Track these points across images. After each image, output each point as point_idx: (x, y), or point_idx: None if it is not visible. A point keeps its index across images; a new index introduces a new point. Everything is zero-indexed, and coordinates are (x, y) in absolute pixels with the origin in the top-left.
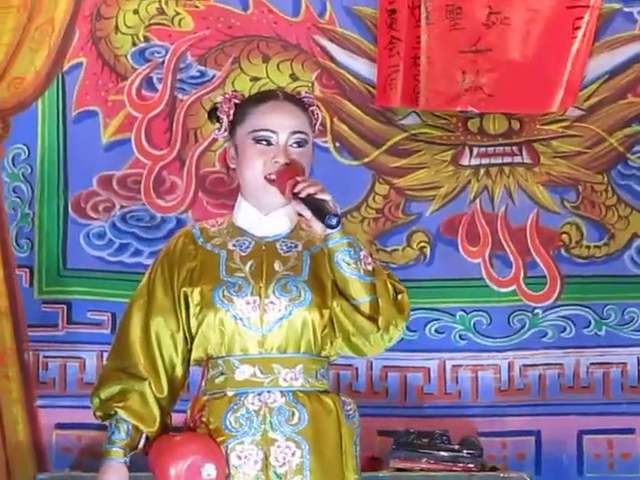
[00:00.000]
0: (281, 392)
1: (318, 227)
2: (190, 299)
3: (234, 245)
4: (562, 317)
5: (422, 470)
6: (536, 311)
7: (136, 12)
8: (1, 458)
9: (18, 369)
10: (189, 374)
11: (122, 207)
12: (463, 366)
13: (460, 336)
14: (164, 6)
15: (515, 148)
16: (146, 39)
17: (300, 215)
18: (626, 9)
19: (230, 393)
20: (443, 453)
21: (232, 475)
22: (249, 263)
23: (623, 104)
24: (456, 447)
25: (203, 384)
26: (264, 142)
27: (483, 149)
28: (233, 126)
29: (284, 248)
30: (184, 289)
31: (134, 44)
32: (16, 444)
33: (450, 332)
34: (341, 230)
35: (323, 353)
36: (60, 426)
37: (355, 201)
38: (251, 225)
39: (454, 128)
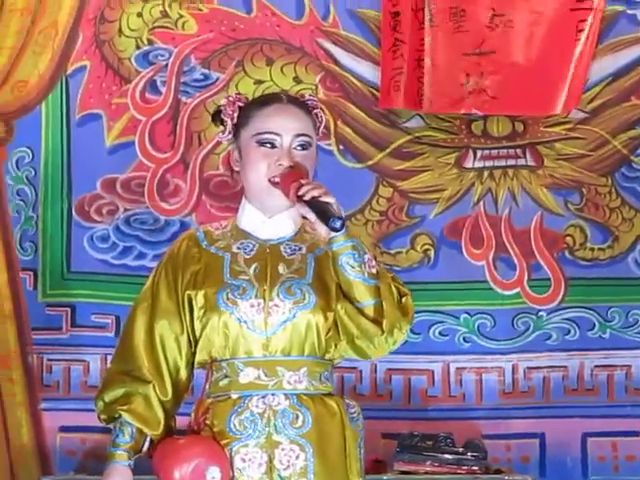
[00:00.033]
0: (285, 395)
1: (322, 230)
2: (194, 302)
3: (238, 248)
4: (566, 319)
5: (426, 473)
6: (540, 313)
7: (140, 15)
8: (5, 461)
9: (22, 372)
10: (193, 377)
11: (126, 210)
12: (467, 369)
13: (464, 339)
14: (168, 9)
15: (519, 150)
16: (150, 42)
17: (304, 218)
18: (629, 11)
19: (234, 396)
20: (447, 456)
21: (236, 478)
22: (253, 266)
23: (627, 106)
24: (460, 450)
25: (207, 387)
26: (268, 145)
27: (487, 152)
28: (237, 129)
29: (288, 251)
30: (188, 292)
31: (138, 47)
32: (20, 447)
33: (454, 335)
34: (345, 233)
35: (327, 356)
36: (64, 429)
37: (359, 204)
38: (255, 228)
39: (458, 131)
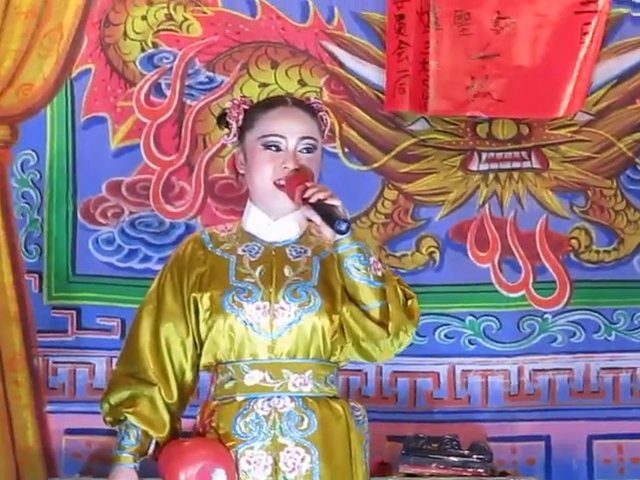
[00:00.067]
0: (290, 397)
1: (328, 233)
2: (200, 304)
3: (244, 250)
4: (572, 322)
5: (432, 475)
6: (546, 316)
7: (144, 18)
8: (11, 464)
9: (27, 375)
10: (199, 379)
11: (131, 213)
12: (473, 371)
13: (470, 341)
14: (172, 12)
15: (524, 153)
16: (154, 45)
17: (310, 221)
18: (634, 14)
19: (240, 398)
20: (453, 458)
21: None
22: (259, 268)
23: (632, 109)
24: (466, 452)
25: (212, 389)
26: (273, 148)
27: (492, 154)
28: (242, 132)
29: (294, 253)
30: (194, 294)
31: (143, 50)
32: (26, 450)
33: (459, 337)
34: (351, 236)
35: (332, 359)
36: (70, 431)
37: (364, 206)
38: (260, 230)
39: (463, 133)
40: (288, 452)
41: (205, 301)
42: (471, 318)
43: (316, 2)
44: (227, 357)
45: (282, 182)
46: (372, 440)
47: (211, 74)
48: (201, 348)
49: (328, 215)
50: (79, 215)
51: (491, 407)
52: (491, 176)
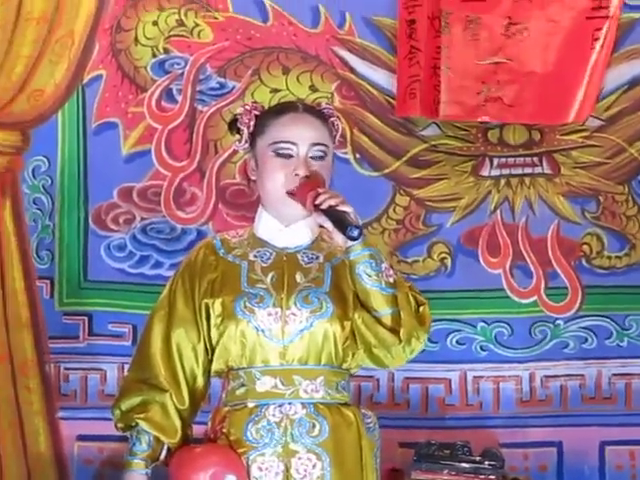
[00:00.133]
0: (302, 404)
1: (339, 239)
2: (211, 310)
3: (255, 256)
4: (583, 328)
5: None
6: (557, 322)
7: (155, 24)
8: (23, 470)
9: (39, 381)
10: (210, 385)
11: (142, 219)
12: (484, 377)
13: (481, 347)
14: (183, 18)
15: (535, 159)
16: (166, 51)
17: (321, 227)
18: None
19: (251, 404)
20: (464, 464)
21: None
22: (270, 274)
23: None
24: (477, 458)
25: (224, 395)
26: (284, 155)
27: (503, 160)
28: (253, 138)
29: (305, 259)
30: (205, 300)
31: (154, 56)
32: (37, 456)
33: (471, 343)
34: (362, 242)
35: (344, 365)
36: (81, 438)
37: (375, 212)
38: (272, 236)
39: (474, 139)
40: (299, 458)
41: (217, 307)
42: (483, 324)
43: (327, 8)
44: (238, 363)
45: (294, 190)
46: (384, 446)
47: (222, 80)
48: (212, 354)
49: (340, 221)
50: (90, 221)
51: (503, 413)
52: (502, 182)
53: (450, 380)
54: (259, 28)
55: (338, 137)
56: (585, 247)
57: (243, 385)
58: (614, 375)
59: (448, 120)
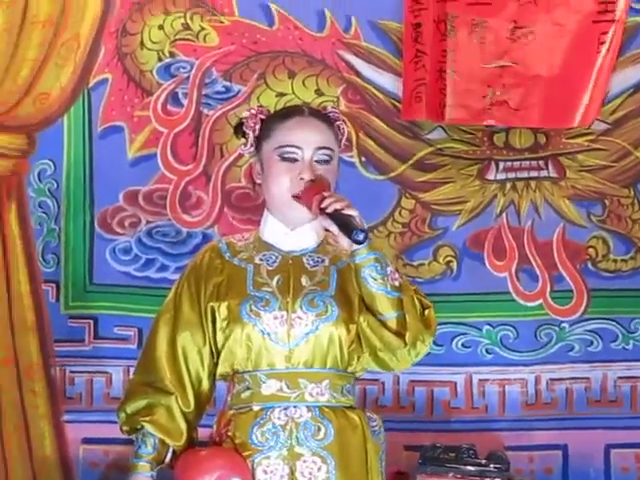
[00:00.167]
0: (307, 407)
1: (345, 242)
2: (217, 313)
3: (261, 259)
4: (589, 331)
5: None
6: (563, 325)
7: (161, 28)
8: (28, 473)
9: (45, 384)
10: (215, 388)
11: (148, 222)
12: (490, 380)
13: (487, 350)
14: (189, 21)
15: (541, 162)
16: (171, 54)
17: (327, 230)
18: None
19: (256, 408)
20: (470, 467)
21: None
22: (276, 278)
23: None
24: (483, 461)
25: (229, 399)
26: (290, 159)
27: (509, 163)
28: (259, 142)
29: (311, 263)
30: (211, 304)
31: (159, 59)
32: (43, 459)
33: (477, 346)
34: (368, 245)
35: (349, 369)
36: (87, 441)
37: (381, 216)
38: (278, 240)
39: (480, 142)
40: (305, 462)
41: (222, 310)
42: (488, 327)
43: (333, 11)
44: (244, 366)
45: (299, 194)
46: (389, 449)
47: (228, 84)
48: (218, 357)
49: (345, 225)
50: (96, 224)
51: (508, 416)
52: (508, 185)
53: (455, 383)
54: (265, 32)
55: (344, 140)
56: (591, 250)
57: (248, 388)
58: (620, 378)
59: (454, 124)
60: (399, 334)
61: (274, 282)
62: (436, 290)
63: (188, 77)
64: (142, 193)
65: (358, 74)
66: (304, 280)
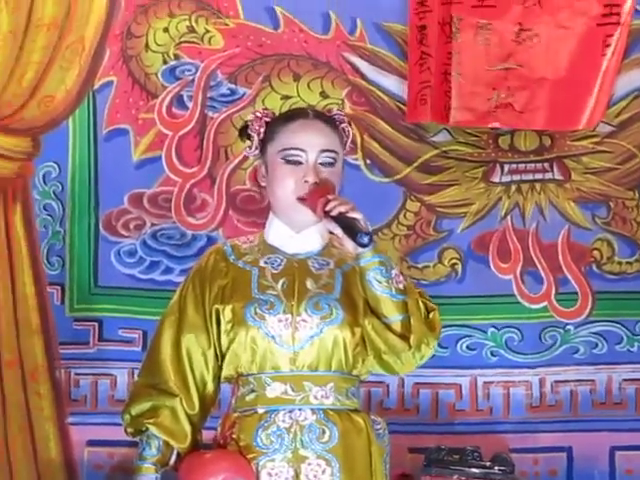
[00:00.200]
0: (312, 410)
1: (350, 245)
2: (222, 316)
3: (266, 262)
4: (594, 333)
5: None
6: (568, 327)
7: (166, 30)
8: (33, 475)
9: (50, 386)
10: (220, 391)
11: (153, 225)
12: (494, 382)
13: (491, 352)
14: (194, 24)
15: (546, 164)
16: (176, 57)
17: (332, 233)
18: None
19: (261, 410)
20: (474, 470)
21: None
22: (281, 281)
23: None
24: (487, 464)
25: (233, 401)
26: (294, 161)
27: (514, 166)
28: (263, 144)
29: (316, 266)
30: (216, 306)
31: (164, 62)
32: (48, 461)
33: (481, 348)
34: (372, 248)
35: (354, 372)
36: (91, 443)
37: (386, 218)
38: (283, 242)
39: (485, 145)
40: (309, 464)
41: (227, 313)
42: (493, 329)
43: (338, 14)
44: (248, 369)
45: (304, 196)
46: (393, 452)
47: (233, 86)
48: (222, 360)
49: (350, 228)
50: (101, 227)
51: (513, 418)
52: (513, 187)
53: (460, 385)
54: (270, 35)
55: (349, 143)
56: (595, 253)
57: (253, 391)
58: (624, 380)
59: (459, 126)
60: (404, 337)
61: (279, 285)
62: (441, 292)
63: (193, 80)
64: (147, 195)
65: (363, 76)
66: (309, 283)
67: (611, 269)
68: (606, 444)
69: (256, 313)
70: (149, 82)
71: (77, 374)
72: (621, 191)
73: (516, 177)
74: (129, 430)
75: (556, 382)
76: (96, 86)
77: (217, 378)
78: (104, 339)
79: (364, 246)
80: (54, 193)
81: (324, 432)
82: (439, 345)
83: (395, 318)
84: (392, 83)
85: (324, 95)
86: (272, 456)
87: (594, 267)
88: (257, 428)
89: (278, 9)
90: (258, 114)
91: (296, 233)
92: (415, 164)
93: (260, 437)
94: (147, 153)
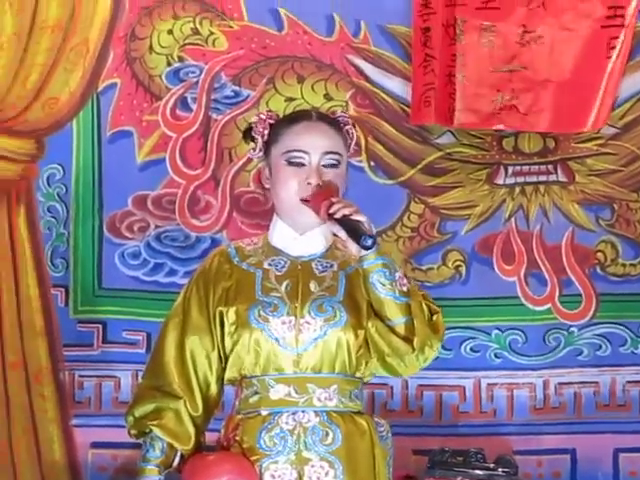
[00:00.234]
0: (315, 412)
1: (353, 248)
2: (225, 318)
3: (270, 264)
4: (598, 335)
5: None
6: (571, 329)
7: (170, 32)
8: (37, 477)
9: (54, 388)
10: (224, 392)
11: (157, 227)
12: (498, 384)
13: (495, 354)
14: (198, 26)
15: (550, 167)
16: (180, 59)
17: (335, 235)
18: None
19: (264, 412)
20: (478, 471)
21: None
22: (285, 283)
23: None
24: (491, 465)
25: (237, 403)
26: (297, 163)
27: (518, 168)
28: (267, 146)
29: (319, 268)
30: (220, 308)
31: (168, 64)
32: (52, 463)
33: (485, 351)
34: (376, 251)
35: (358, 374)
36: (95, 445)
37: (390, 220)
38: (286, 245)
39: (489, 147)
40: (312, 466)
41: (231, 315)
42: (497, 332)
43: (342, 16)
44: (252, 371)
45: (308, 198)
46: (397, 454)
47: (237, 88)
48: (226, 362)
49: (354, 231)
50: (105, 229)
51: (517, 420)
52: (517, 189)
53: (464, 387)
54: (274, 37)
55: (353, 145)
56: (599, 255)
57: (256, 393)
58: (628, 382)
59: (463, 128)
60: (407, 339)
61: (283, 287)
62: (445, 294)
63: (197, 82)
64: (151, 198)
65: (367, 78)
66: (313, 285)
67: (615, 271)
68: (610, 446)
69: (260, 315)
70: (153, 84)
71: (81, 376)
72: (625, 193)
73: (520, 179)
74: (132, 432)
75: (560, 384)
76: (100, 88)
77: (221, 380)
78: (108, 341)
79: (368, 249)
80: (58, 195)
81: (327, 434)
82: (443, 347)
83: (398, 321)
84: (396, 85)
85: (328, 97)
86: (275, 458)
87: (598, 269)
88: (260, 430)
89: (282, 11)
90: (262, 116)
91: (300, 235)
92: (419, 166)
93: (263, 439)
94: (151, 155)
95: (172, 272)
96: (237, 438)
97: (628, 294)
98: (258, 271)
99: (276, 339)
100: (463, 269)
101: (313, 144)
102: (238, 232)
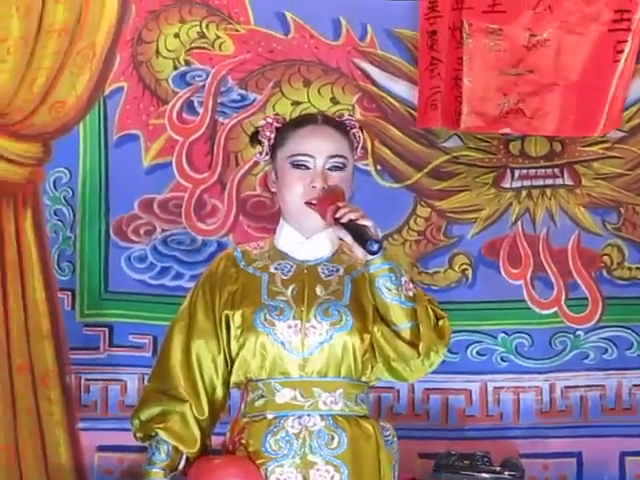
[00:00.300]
0: (321, 416)
1: (359, 252)
2: (231, 322)
3: (276, 268)
4: (604, 339)
5: None
6: (578, 333)
7: (177, 36)
8: None
9: (60, 392)
10: (229, 396)
11: (163, 230)
12: (505, 388)
13: (502, 358)
14: (205, 30)
15: (556, 170)
16: (187, 63)
17: (341, 240)
18: None
19: (270, 416)
20: (484, 475)
21: None
22: (291, 287)
23: None
24: (497, 469)
25: (243, 407)
26: (302, 167)
27: (525, 171)
28: (274, 150)
29: (326, 272)
30: (226, 312)
31: (175, 68)
32: (58, 466)
33: (492, 354)
34: (382, 255)
35: (363, 378)
36: (102, 448)
37: (397, 224)
38: (293, 248)
39: (495, 150)
40: (318, 470)
41: (237, 319)
42: (503, 335)
43: (349, 20)
44: (258, 375)
45: (313, 201)
46: (404, 457)
47: (243, 92)
48: (232, 365)
49: (360, 235)
50: (111, 233)
51: (523, 424)
52: (524, 193)
53: (470, 391)
54: (280, 41)
55: (360, 148)
56: (606, 258)
57: (262, 396)
58: (634, 386)
59: (469, 131)
60: (413, 344)
61: (289, 291)
62: (451, 298)
63: (204, 85)
64: (157, 201)
65: (373, 82)
66: (319, 289)
67: (621, 274)
68: (616, 449)
69: (266, 319)
70: (160, 88)
71: (87, 379)
72: (631, 197)
73: (527, 183)
74: (138, 435)
75: (566, 387)
76: (107, 92)
77: (226, 383)
78: (114, 344)
79: (374, 253)
80: (64, 199)
81: (333, 438)
82: (449, 351)
83: (404, 325)
84: (403, 89)
85: (335, 101)
86: (281, 462)
87: (604, 272)
88: (266, 434)
89: (289, 15)
90: (269, 120)
91: (306, 239)
92: (426, 170)
93: (269, 442)
94: (157, 159)
95: (178, 276)
96: (243, 441)
97: (634, 297)
98: (264, 275)
99: (282, 343)
100: (469, 272)
101: (318, 148)
102: (244, 236)
